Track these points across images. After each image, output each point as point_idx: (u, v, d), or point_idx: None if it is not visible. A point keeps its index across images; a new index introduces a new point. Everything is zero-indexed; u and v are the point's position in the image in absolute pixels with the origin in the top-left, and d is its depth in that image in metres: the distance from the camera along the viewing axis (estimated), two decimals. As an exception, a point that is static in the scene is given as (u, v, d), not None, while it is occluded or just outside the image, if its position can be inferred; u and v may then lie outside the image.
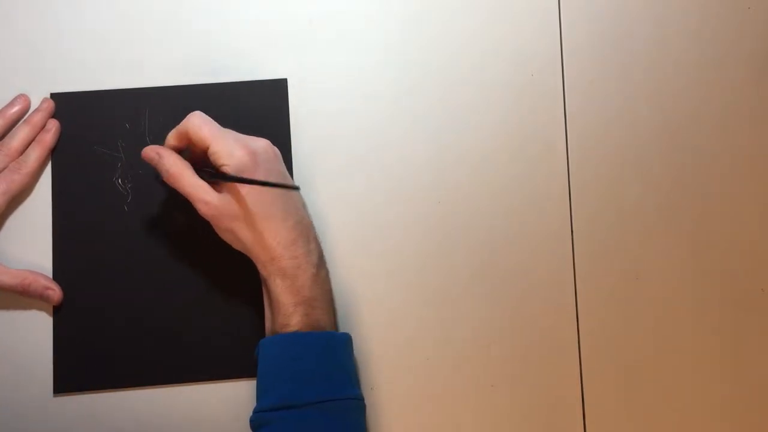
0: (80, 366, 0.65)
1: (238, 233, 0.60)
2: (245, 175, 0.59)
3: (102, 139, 0.67)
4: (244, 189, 0.59)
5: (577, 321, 0.68)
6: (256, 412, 0.59)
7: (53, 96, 0.67)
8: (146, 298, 0.66)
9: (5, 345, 0.65)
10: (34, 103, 0.67)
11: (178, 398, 0.65)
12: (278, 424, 0.57)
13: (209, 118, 0.61)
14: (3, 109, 0.67)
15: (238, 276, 0.66)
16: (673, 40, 0.71)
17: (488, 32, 0.70)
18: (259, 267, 0.61)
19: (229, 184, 0.60)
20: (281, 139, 0.68)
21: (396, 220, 0.68)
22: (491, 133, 0.69)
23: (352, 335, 0.66)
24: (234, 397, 0.65)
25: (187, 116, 0.61)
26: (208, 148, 0.60)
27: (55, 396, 0.65)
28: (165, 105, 0.68)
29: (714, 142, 0.70)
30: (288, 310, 0.59)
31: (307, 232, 0.62)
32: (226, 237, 0.62)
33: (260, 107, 0.69)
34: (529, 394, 0.67)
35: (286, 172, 0.64)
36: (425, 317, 0.67)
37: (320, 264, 0.62)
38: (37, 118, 0.66)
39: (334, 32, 0.70)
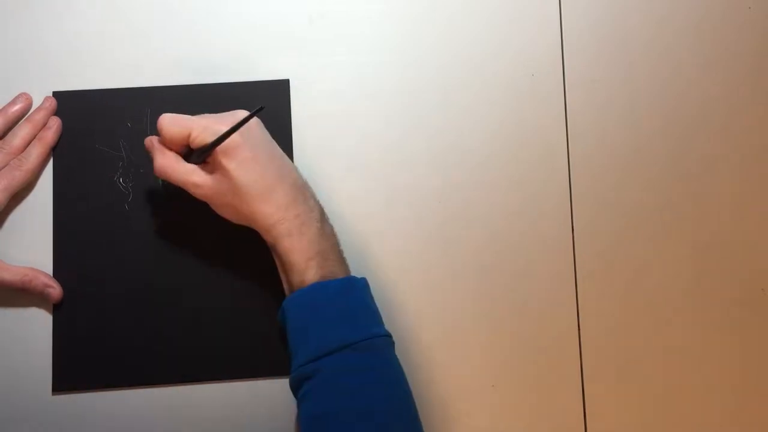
0: (79, 365, 0.65)
1: (237, 207, 0.61)
2: (233, 150, 0.59)
3: (103, 137, 0.67)
4: (232, 163, 0.59)
5: (578, 321, 0.68)
6: (294, 369, 0.59)
7: (55, 94, 0.68)
8: (146, 297, 0.66)
9: (4, 342, 0.65)
10: (36, 102, 0.67)
11: (176, 398, 0.65)
12: (319, 375, 0.57)
13: (176, 114, 0.62)
14: (4, 107, 0.67)
15: (238, 276, 0.66)
16: (673, 40, 0.71)
17: (489, 32, 0.71)
18: (264, 234, 0.61)
19: (218, 162, 0.60)
20: (283, 139, 0.68)
21: (396, 220, 0.68)
22: (492, 133, 0.70)
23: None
24: (233, 398, 0.65)
25: (157, 123, 0.61)
26: (187, 139, 0.60)
27: (53, 394, 0.64)
28: (167, 104, 0.68)
29: (714, 141, 0.70)
30: (301, 267, 0.60)
31: (303, 191, 0.62)
32: (226, 213, 0.62)
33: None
34: (529, 394, 0.67)
35: (270, 137, 0.63)
36: (425, 317, 0.67)
37: (323, 219, 0.62)
38: (39, 117, 0.66)
39: (335, 33, 0.70)
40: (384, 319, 0.66)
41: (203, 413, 0.65)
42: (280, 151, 0.63)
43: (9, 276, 0.63)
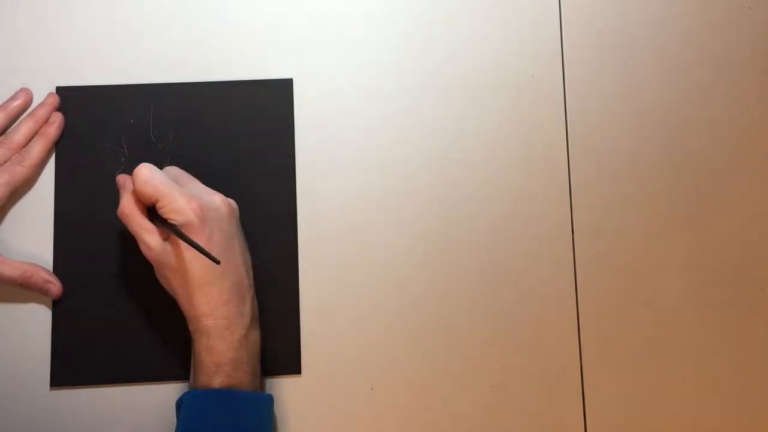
0: (77, 360, 0.65)
1: (172, 284, 0.60)
2: (190, 231, 0.58)
3: (106, 133, 0.68)
4: (179, 246, 0.59)
5: (578, 321, 0.68)
6: None
7: (58, 90, 0.68)
8: (146, 293, 0.66)
9: (4, 337, 0.65)
10: (40, 97, 0.68)
11: (174, 396, 0.65)
12: None
13: (157, 170, 0.60)
14: (5, 103, 0.67)
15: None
16: (673, 40, 0.72)
17: (489, 32, 0.71)
18: (187, 321, 0.61)
19: (174, 237, 0.59)
20: (285, 138, 0.68)
21: (396, 220, 0.68)
22: (492, 132, 0.70)
23: (351, 336, 0.66)
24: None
25: (134, 171, 0.60)
26: (156, 202, 0.59)
27: (51, 389, 0.64)
28: (170, 101, 0.68)
29: (714, 141, 0.71)
30: (210, 371, 0.58)
31: (243, 293, 0.61)
32: (162, 282, 0.62)
33: (265, 106, 0.69)
34: (529, 394, 0.66)
35: (238, 230, 0.63)
36: (425, 316, 0.67)
37: (252, 326, 0.61)
38: (42, 113, 0.67)
39: (335, 32, 0.71)
40: (381, 320, 0.67)
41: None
42: (241, 247, 0.62)
43: (9, 271, 0.63)
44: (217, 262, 0.57)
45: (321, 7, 0.71)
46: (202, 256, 0.57)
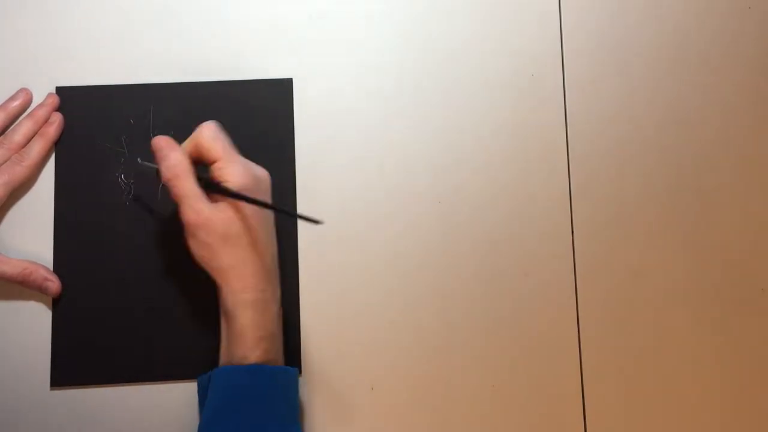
0: (78, 360, 0.65)
1: (218, 253, 0.58)
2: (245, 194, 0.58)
3: (106, 133, 0.68)
4: (229, 212, 0.58)
5: (578, 321, 0.68)
6: None
7: (58, 90, 0.68)
8: (145, 293, 0.66)
9: (3, 336, 0.65)
10: (39, 97, 0.68)
11: (175, 395, 0.65)
12: None
13: (220, 131, 0.60)
14: (4, 103, 0.67)
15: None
16: (673, 40, 0.72)
17: (489, 32, 0.71)
18: (226, 294, 0.59)
19: (223, 203, 0.58)
20: (285, 138, 0.69)
21: (396, 220, 0.68)
22: (492, 132, 0.70)
23: (351, 336, 0.66)
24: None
25: (200, 126, 0.60)
26: (214, 161, 0.59)
27: (51, 389, 0.64)
28: (170, 101, 0.68)
29: (714, 142, 0.71)
30: (251, 343, 0.58)
31: (276, 269, 0.62)
32: (201, 252, 0.58)
33: (265, 106, 0.69)
34: (529, 394, 0.66)
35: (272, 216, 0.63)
36: (425, 316, 0.67)
37: (280, 302, 0.62)
38: (41, 113, 0.67)
39: (335, 32, 0.71)
40: (382, 320, 0.67)
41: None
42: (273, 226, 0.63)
43: (9, 269, 0.63)
44: (320, 222, 0.57)
45: (321, 7, 0.71)
46: (251, 225, 0.57)
